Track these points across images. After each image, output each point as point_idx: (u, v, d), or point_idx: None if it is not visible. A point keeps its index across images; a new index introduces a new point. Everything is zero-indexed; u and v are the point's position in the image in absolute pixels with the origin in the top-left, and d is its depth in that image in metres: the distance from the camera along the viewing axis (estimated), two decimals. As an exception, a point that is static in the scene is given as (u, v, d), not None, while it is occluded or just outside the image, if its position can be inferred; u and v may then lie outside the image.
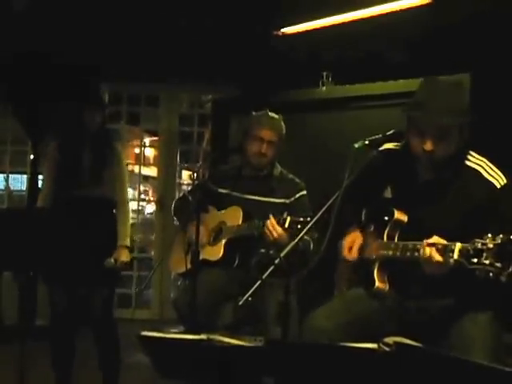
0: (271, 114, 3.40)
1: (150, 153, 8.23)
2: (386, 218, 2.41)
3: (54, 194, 3.55)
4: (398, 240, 2.37)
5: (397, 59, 4.36)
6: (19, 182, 6.18)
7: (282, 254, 2.29)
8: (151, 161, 7.79)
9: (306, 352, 1.64)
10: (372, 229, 2.53)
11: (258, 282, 2.23)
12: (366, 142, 2.42)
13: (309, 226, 2.40)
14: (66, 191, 3.48)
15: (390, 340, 1.46)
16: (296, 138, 4.60)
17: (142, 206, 7.67)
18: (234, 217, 3.34)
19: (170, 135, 6.12)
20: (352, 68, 4.51)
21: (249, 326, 3.24)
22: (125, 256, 3.50)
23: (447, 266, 2.09)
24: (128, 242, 3.54)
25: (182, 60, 5.13)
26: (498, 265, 1.92)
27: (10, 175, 6.05)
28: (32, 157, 5.49)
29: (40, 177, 4.81)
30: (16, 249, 2.92)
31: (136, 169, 6.66)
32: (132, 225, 6.50)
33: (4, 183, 6.02)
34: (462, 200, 2.28)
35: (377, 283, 2.39)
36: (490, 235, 1.96)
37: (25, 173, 5.95)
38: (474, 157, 2.36)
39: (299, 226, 2.83)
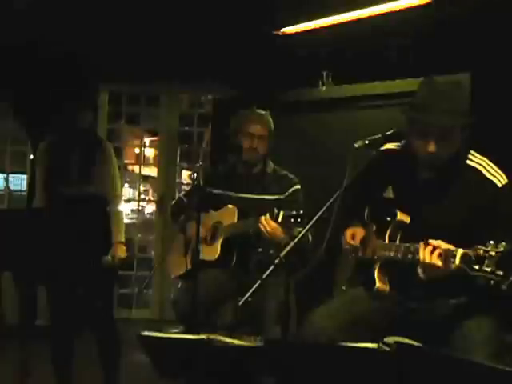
0: (258, 110, 3.45)
1: (150, 153, 8.23)
2: (388, 219, 2.41)
3: (46, 193, 3.56)
4: (399, 241, 2.37)
5: (397, 59, 4.36)
6: (19, 181, 6.18)
7: (281, 254, 2.29)
8: (151, 161, 7.79)
9: (305, 352, 1.64)
10: (374, 229, 2.52)
11: (258, 282, 2.23)
12: (366, 142, 2.42)
13: (309, 226, 2.39)
14: (57, 190, 3.49)
15: (390, 340, 1.46)
16: (296, 137, 4.61)
17: (142, 206, 7.67)
18: (229, 216, 3.35)
19: (170, 135, 6.12)
20: (352, 68, 4.50)
21: (248, 326, 3.24)
22: (121, 252, 3.51)
23: (447, 271, 2.09)
24: (123, 238, 3.54)
25: (182, 60, 5.13)
26: (500, 273, 1.91)
27: (10, 175, 6.05)
28: (32, 157, 5.48)
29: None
30: (13, 249, 2.92)
31: (136, 169, 6.66)
32: (132, 225, 6.57)
33: (4, 183, 6.02)
34: (463, 199, 2.28)
35: (377, 284, 2.39)
36: (492, 242, 1.95)
37: (24, 173, 5.95)
38: (475, 156, 2.36)
39: (292, 220, 2.85)
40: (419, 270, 2.18)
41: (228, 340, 1.69)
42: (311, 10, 4.28)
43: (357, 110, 4.56)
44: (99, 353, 3.56)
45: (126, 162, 6.57)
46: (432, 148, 2.26)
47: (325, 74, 4.66)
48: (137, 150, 7.59)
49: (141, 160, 6.92)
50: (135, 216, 6.56)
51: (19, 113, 5.31)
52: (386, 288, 2.40)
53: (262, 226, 3.04)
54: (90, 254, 3.33)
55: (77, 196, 3.47)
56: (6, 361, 3.24)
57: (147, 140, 7.93)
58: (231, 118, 3.54)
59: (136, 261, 6.11)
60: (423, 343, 1.47)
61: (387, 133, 2.48)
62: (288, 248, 2.30)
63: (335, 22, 4.33)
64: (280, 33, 4.64)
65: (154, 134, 7.37)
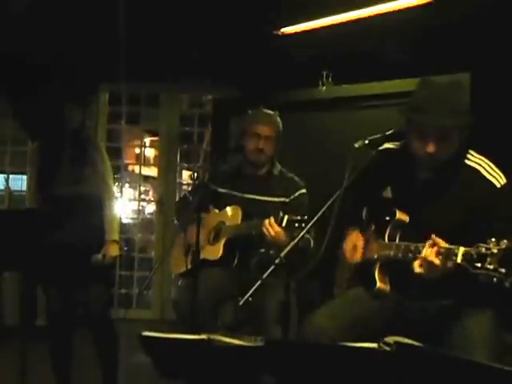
0: (267, 110, 3.43)
1: (150, 153, 8.23)
2: (387, 218, 2.41)
3: (38, 194, 3.57)
4: (399, 240, 2.37)
5: (397, 59, 4.36)
6: (19, 182, 6.18)
7: (282, 254, 2.29)
8: (151, 161, 7.79)
9: (306, 352, 1.64)
10: (373, 229, 2.53)
11: (259, 282, 2.23)
12: (366, 142, 2.42)
13: (309, 226, 2.40)
14: (49, 191, 3.49)
15: (390, 340, 1.46)
16: (296, 137, 4.61)
17: (143, 206, 7.66)
18: (233, 216, 3.35)
19: (171, 135, 6.12)
20: (352, 68, 4.51)
21: (249, 325, 3.24)
22: (114, 251, 3.50)
23: (445, 270, 2.10)
24: (116, 237, 3.54)
25: (183, 60, 5.13)
26: (502, 270, 1.91)
27: (10, 175, 6.05)
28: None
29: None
30: (8, 249, 2.93)
31: (136, 169, 6.66)
32: (132, 225, 6.57)
33: (4, 183, 6.02)
34: (461, 199, 2.28)
35: (378, 284, 2.39)
36: (493, 240, 1.94)
37: (25, 173, 5.94)
38: (474, 156, 2.36)
39: (296, 225, 2.84)
40: (416, 267, 2.18)
41: (228, 340, 1.70)
42: (311, 10, 4.28)
43: (357, 109, 4.57)
44: (97, 353, 3.56)
45: (126, 162, 6.57)
46: (431, 149, 2.26)
47: (325, 74, 4.66)
48: (137, 150, 7.59)
49: (141, 160, 6.92)
50: (135, 216, 6.56)
51: (19, 113, 5.31)
52: (387, 288, 2.40)
53: (265, 230, 3.02)
54: (81, 254, 3.33)
55: (68, 196, 3.47)
56: (6, 360, 3.24)
57: (147, 140, 7.92)
58: (238, 117, 3.53)
59: (136, 261, 6.12)
60: (423, 343, 1.47)
61: (387, 133, 2.48)
62: (288, 248, 2.30)
63: (335, 22, 4.33)
64: (280, 33, 4.64)
65: (154, 134, 7.37)
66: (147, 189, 8.91)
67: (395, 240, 2.38)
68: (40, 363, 3.48)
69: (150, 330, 1.81)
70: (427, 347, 1.45)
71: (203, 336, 1.72)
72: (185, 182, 6.77)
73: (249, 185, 3.42)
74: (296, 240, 2.33)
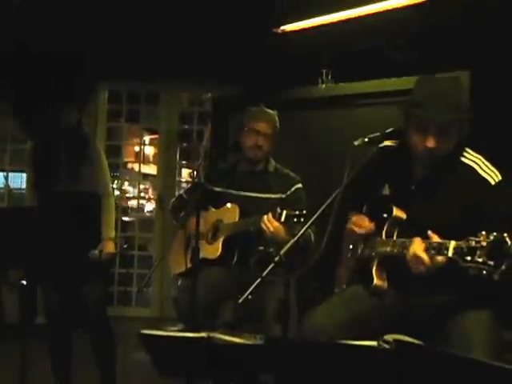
0: (266, 108, 3.46)
1: (149, 151, 8.24)
2: (385, 216, 2.42)
3: (35, 192, 3.58)
4: (396, 237, 2.38)
5: (396, 57, 4.36)
6: (19, 180, 6.18)
7: (281, 252, 2.29)
8: (151, 159, 7.80)
9: (305, 350, 1.64)
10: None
11: (258, 280, 2.23)
12: (366, 140, 2.43)
13: (309, 224, 2.40)
14: (45, 189, 3.50)
15: (389, 337, 1.46)
16: (295, 135, 4.62)
17: (142, 204, 7.67)
18: (230, 214, 3.35)
19: (170, 133, 6.11)
20: (351, 66, 4.51)
21: (249, 323, 3.24)
22: (110, 248, 3.50)
23: (434, 266, 2.11)
24: (113, 234, 3.54)
25: (182, 58, 5.13)
26: (491, 263, 1.92)
27: (10, 173, 6.05)
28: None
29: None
30: (7, 247, 2.94)
31: (136, 167, 6.66)
32: (132, 223, 6.57)
33: (4, 181, 6.02)
34: (457, 196, 2.28)
35: (375, 281, 2.40)
36: (483, 233, 1.96)
37: (24, 171, 5.94)
38: (470, 154, 2.36)
39: (295, 220, 2.84)
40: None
41: (228, 338, 1.70)
42: (310, 8, 4.28)
43: (356, 108, 4.57)
44: (94, 351, 3.56)
45: (125, 160, 6.57)
46: (430, 143, 2.27)
47: (324, 72, 4.66)
48: (136, 148, 7.61)
49: (140, 158, 6.93)
50: (135, 214, 6.56)
51: (18, 112, 5.31)
52: (384, 285, 2.40)
53: (264, 226, 3.02)
54: (78, 251, 3.33)
55: (65, 194, 3.47)
56: (6, 359, 3.24)
57: (147, 138, 7.93)
58: (233, 116, 3.55)
59: (136, 259, 6.12)
60: (422, 340, 1.47)
61: (386, 131, 2.48)
62: (288, 246, 2.30)
63: (334, 20, 4.33)
64: (280, 31, 4.64)
65: (153, 132, 7.37)
66: (147, 187, 8.92)
67: (393, 237, 2.39)
68: (40, 361, 3.48)
69: (150, 328, 1.82)
70: (426, 345, 1.45)
71: (203, 334, 1.72)
72: (184, 180, 6.77)
73: (245, 182, 3.44)
74: (296, 238, 2.33)
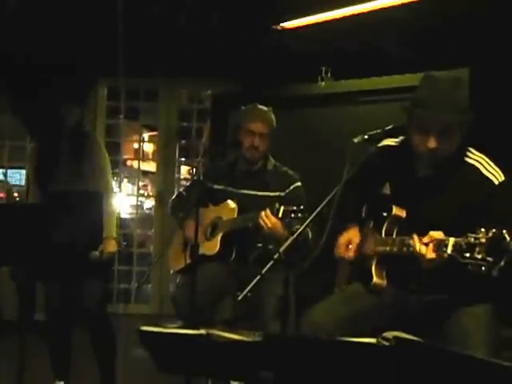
0: (260, 106, 3.42)
1: (148, 148, 8.23)
2: (385, 214, 2.42)
3: (38, 190, 3.59)
4: (396, 235, 2.38)
5: (396, 54, 4.36)
6: (18, 176, 6.18)
7: (280, 249, 2.29)
8: (150, 156, 7.80)
9: (304, 347, 1.64)
10: (371, 225, 2.53)
11: (257, 277, 2.23)
12: (366, 137, 2.42)
13: (308, 222, 2.40)
14: (48, 188, 3.50)
15: (388, 335, 1.46)
16: (295, 133, 4.62)
17: (141, 202, 7.67)
18: (229, 211, 3.35)
19: (169, 130, 6.12)
20: (351, 63, 4.50)
21: (247, 320, 3.25)
22: (112, 247, 3.50)
23: (442, 261, 2.11)
24: (114, 233, 3.54)
25: (181, 55, 5.12)
26: (490, 259, 1.92)
27: (9, 170, 6.05)
28: (30, 152, 5.49)
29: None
30: (8, 244, 2.93)
31: (135, 164, 6.67)
32: (131, 220, 6.57)
33: (3, 178, 6.02)
34: (460, 196, 2.28)
35: (375, 279, 2.40)
36: (482, 229, 1.96)
37: (23, 167, 5.95)
38: (473, 153, 2.36)
39: (293, 215, 2.84)
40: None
41: (227, 335, 1.70)
42: (310, 5, 4.28)
43: (356, 105, 4.57)
44: (95, 350, 3.56)
45: (124, 157, 6.57)
46: (432, 144, 2.26)
47: (324, 69, 4.66)
48: (136, 146, 7.59)
49: (140, 155, 6.92)
50: (134, 211, 6.56)
51: (17, 108, 5.31)
52: (384, 283, 2.40)
53: (262, 221, 3.03)
54: (79, 250, 3.33)
55: (67, 193, 3.47)
56: (5, 355, 3.24)
57: (146, 135, 7.93)
58: (232, 113, 3.54)
59: (135, 256, 6.12)
60: (421, 337, 1.47)
61: (386, 128, 2.48)
62: (287, 243, 2.30)
63: (334, 17, 4.33)
64: (279, 28, 4.64)
65: (152, 129, 7.38)
66: (146, 184, 8.93)
67: (392, 235, 2.39)
68: (38, 358, 3.48)
69: (149, 325, 1.81)
70: (426, 342, 1.45)
71: (202, 331, 1.72)
72: (183, 177, 6.77)
73: (244, 180, 3.43)
74: (295, 235, 2.33)
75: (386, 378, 1.49)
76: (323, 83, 4.67)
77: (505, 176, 2.29)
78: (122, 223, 6.30)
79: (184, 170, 7.47)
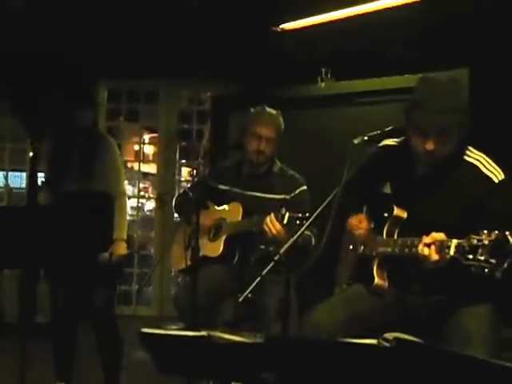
0: (269, 109, 3.37)
1: (149, 150, 8.22)
2: (386, 215, 2.42)
3: (50, 191, 3.57)
4: (397, 236, 2.37)
5: (396, 55, 4.36)
6: (19, 179, 6.18)
7: (281, 251, 2.29)
8: (150, 158, 7.79)
9: (306, 348, 1.64)
10: (372, 226, 2.53)
11: (258, 279, 2.23)
12: (365, 138, 2.42)
13: (309, 223, 2.40)
14: (59, 189, 3.49)
15: (389, 336, 1.46)
16: (295, 134, 4.61)
17: (142, 203, 7.67)
18: (233, 213, 3.34)
19: (170, 132, 6.11)
20: (351, 64, 4.51)
21: (249, 322, 3.25)
22: (122, 249, 3.49)
23: (444, 262, 2.10)
24: (125, 235, 3.53)
25: (182, 57, 5.13)
26: (493, 261, 1.92)
27: (10, 173, 6.05)
28: (31, 154, 5.49)
29: (40, 174, 4.84)
30: (15, 246, 2.92)
31: (135, 166, 6.66)
32: (132, 222, 6.56)
33: (3, 180, 6.02)
34: (460, 195, 2.28)
35: (376, 280, 2.40)
36: (485, 231, 1.96)
37: (24, 170, 5.95)
38: (473, 152, 2.36)
39: (298, 222, 2.81)
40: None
41: (228, 336, 1.70)
42: (310, 6, 4.28)
43: (356, 106, 4.57)
44: (100, 353, 3.55)
45: (125, 159, 6.56)
46: (430, 146, 2.26)
47: (324, 70, 4.66)
48: (136, 147, 7.59)
49: (140, 157, 6.92)
50: (135, 213, 6.56)
51: (18, 111, 5.31)
52: (385, 284, 2.40)
53: (266, 227, 2.99)
54: (89, 252, 3.32)
55: (78, 193, 3.46)
56: (6, 357, 3.24)
57: (146, 137, 7.92)
58: (233, 114, 3.51)
59: (136, 258, 6.12)
60: (422, 338, 1.47)
61: (386, 129, 2.48)
62: (287, 245, 2.30)
63: (334, 18, 4.33)
64: (279, 29, 4.64)
65: (153, 131, 7.37)
66: (146, 186, 8.91)
67: (393, 236, 2.38)
68: (40, 360, 3.48)
69: (150, 327, 1.82)
70: (427, 343, 1.45)
71: (203, 332, 1.72)
72: (184, 179, 6.76)
73: (249, 182, 3.40)
74: (295, 237, 2.33)
75: (386, 379, 1.49)
76: (323, 84, 4.67)
77: (504, 175, 2.29)
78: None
79: (185, 171, 7.46)
